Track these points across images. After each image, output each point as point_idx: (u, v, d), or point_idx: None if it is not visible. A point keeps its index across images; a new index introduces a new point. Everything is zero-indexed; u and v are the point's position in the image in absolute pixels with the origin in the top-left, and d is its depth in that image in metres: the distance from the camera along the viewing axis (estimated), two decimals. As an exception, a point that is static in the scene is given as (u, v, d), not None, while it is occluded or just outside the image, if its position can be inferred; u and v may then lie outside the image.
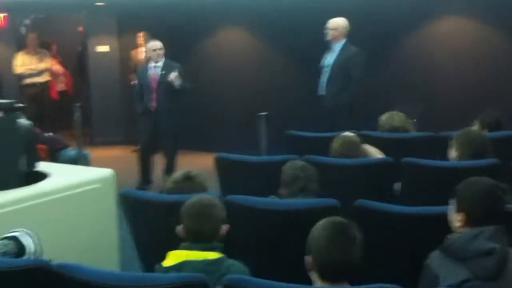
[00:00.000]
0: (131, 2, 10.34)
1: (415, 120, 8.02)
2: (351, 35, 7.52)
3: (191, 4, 9.83)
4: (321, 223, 2.66)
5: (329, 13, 7.53)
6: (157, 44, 7.70)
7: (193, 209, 3.04)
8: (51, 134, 7.84)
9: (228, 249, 3.09)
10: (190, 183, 3.73)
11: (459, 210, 2.87)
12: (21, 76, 10.29)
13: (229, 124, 9.57)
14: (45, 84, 10.41)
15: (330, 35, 7.29)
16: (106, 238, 4.59)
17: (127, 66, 10.50)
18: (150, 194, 3.77)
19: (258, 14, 9.39)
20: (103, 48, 11.01)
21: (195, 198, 3.11)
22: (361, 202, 3.32)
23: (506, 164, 4.22)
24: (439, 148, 4.89)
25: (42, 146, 7.02)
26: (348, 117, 6.94)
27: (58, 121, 10.34)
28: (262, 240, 3.48)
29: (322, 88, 7.31)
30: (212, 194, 3.43)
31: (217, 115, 9.93)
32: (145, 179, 7.83)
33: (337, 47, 7.29)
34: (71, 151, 7.32)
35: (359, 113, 7.11)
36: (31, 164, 4.84)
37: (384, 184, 4.49)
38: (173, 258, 2.93)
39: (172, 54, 9.19)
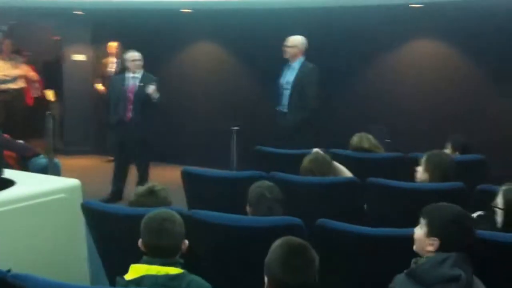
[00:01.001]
0: (107, 12, 10.24)
1: (389, 140, 8.15)
2: (319, 55, 7.59)
3: (165, 16, 9.79)
4: (277, 243, 2.63)
5: (300, 29, 7.57)
6: (136, 54, 7.65)
7: (151, 224, 3.00)
8: (21, 141, 7.75)
9: (190, 265, 3.07)
10: (153, 197, 3.70)
11: (431, 234, 2.87)
12: (-7, 82, 10.21)
13: (202, 138, 9.55)
14: (18, 91, 10.28)
15: (288, 52, 7.30)
16: (72, 249, 4.52)
17: (95, 73, 10.49)
18: (112, 206, 3.72)
19: (230, 29, 9.43)
20: (79, 57, 10.93)
21: (154, 212, 3.07)
22: (322, 221, 3.31)
23: (471, 188, 4.23)
24: (407, 169, 4.91)
25: (11, 154, 6.94)
26: (309, 134, 6.97)
27: (31, 128, 10.18)
28: (224, 257, 3.45)
29: (283, 106, 7.31)
30: (173, 209, 3.40)
31: (189, 128, 9.92)
32: (116, 192, 7.75)
33: (296, 64, 7.32)
34: (41, 159, 7.22)
35: (325, 132, 7.16)
36: (-3, 172, 4.78)
37: (351, 204, 4.47)
38: (134, 271, 2.90)
39: (146, 66, 9.21)
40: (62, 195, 4.77)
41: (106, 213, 3.58)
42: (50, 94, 10.26)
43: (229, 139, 6.93)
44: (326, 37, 8.66)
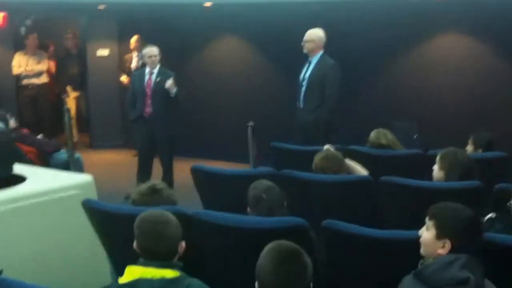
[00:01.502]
0: (131, 7, 10.22)
1: (416, 135, 7.97)
2: (343, 50, 7.39)
3: (190, 11, 9.73)
4: (268, 247, 2.52)
5: (323, 23, 7.42)
6: (153, 50, 7.53)
7: (145, 226, 2.90)
8: (41, 137, 7.75)
9: (190, 267, 2.97)
10: (156, 196, 3.59)
11: (442, 236, 2.74)
12: (18, 77, 10.22)
13: (224, 132, 9.46)
14: (42, 86, 10.28)
15: (306, 47, 7.09)
16: (89, 247, 4.43)
17: (119, 68, 10.50)
18: (114, 205, 3.61)
19: (253, 23, 9.30)
20: (103, 52, 10.92)
21: (147, 214, 2.96)
22: (328, 223, 3.17)
23: (490, 186, 4.06)
24: (428, 166, 4.74)
25: (32, 149, 6.94)
26: (326, 134, 6.75)
27: (57, 124, 10.18)
28: (226, 258, 3.34)
29: (300, 102, 7.14)
30: (176, 209, 3.30)
31: (212, 122, 9.87)
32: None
33: (314, 59, 7.11)
34: (62, 154, 7.21)
35: (349, 128, 6.98)
36: (5, 168, 4.75)
37: (364, 203, 4.33)
38: (129, 274, 2.81)
39: (169, 60, 9.15)
40: (75, 191, 4.73)
41: (108, 212, 3.49)
42: (68, 90, 10.34)
43: (262, 134, 6.79)
44: (350, 31, 8.50)
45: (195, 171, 4.57)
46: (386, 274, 2.99)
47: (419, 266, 2.71)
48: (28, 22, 11.12)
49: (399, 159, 5.10)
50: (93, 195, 4.85)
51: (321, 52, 7.10)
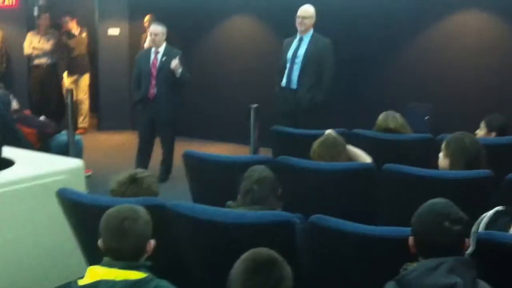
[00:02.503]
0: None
1: (427, 117, 7.64)
2: (355, 27, 7.04)
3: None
4: (243, 257, 2.32)
5: (338, 4, 7.12)
6: (156, 29, 7.25)
7: (110, 223, 2.64)
8: (43, 118, 7.58)
9: (166, 265, 2.74)
10: (135, 186, 3.35)
11: (412, 235, 2.53)
12: (30, 57, 10.09)
13: (232, 113, 9.19)
14: (51, 66, 10.07)
15: (305, 24, 6.79)
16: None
17: (133, 48, 10.22)
18: (89, 196, 3.38)
19: (266, 2, 9.03)
20: (114, 32, 10.69)
21: (114, 209, 2.70)
22: (316, 218, 2.89)
23: (501, 175, 3.75)
24: (438, 152, 4.42)
25: (32, 130, 6.80)
26: (323, 115, 6.56)
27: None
28: (205, 256, 3.09)
29: (293, 82, 6.82)
30: (154, 201, 3.06)
31: (221, 103, 9.63)
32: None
33: (306, 37, 6.82)
34: (63, 136, 7.05)
35: (361, 111, 6.68)
36: (-9, 151, 4.58)
37: (365, 193, 4.03)
38: (91, 275, 2.57)
39: (181, 40, 8.92)
40: (63, 176, 4.62)
41: (81, 203, 3.25)
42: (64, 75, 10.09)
43: (263, 116, 6.54)
44: (363, 8, 8.19)
45: (186, 157, 4.30)
46: (375, 275, 2.70)
47: (401, 272, 2.44)
48: (41, 1, 10.91)
49: (406, 144, 4.76)
50: (81, 180, 4.72)
51: (312, 30, 6.85)
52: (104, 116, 10.78)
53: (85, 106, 10.33)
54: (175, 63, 7.03)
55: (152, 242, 2.69)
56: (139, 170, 3.49)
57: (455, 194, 3.48)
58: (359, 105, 8.01)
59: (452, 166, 3.86)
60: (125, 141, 9.60)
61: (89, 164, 7.53)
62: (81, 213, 3.28)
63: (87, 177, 7.20)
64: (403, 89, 8.07)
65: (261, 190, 3.39)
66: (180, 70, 7.07)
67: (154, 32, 7.25)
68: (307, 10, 6.83)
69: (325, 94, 6.65)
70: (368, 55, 8.24)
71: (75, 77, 10.16)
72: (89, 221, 3.15)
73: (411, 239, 2.53)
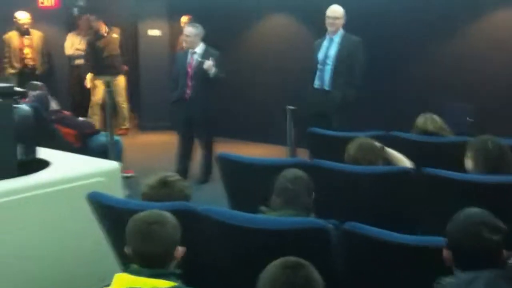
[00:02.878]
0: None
1: (468, 119, 7.44)
2: (392, 25, 7.04)
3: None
4: (271, 264, 2.26)
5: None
6: (188, 30, 7.31)
7: (136, 227, 2.59)
8: (82, 118, 7.63)
9: (196, 271, 2.68)
10: (167, 189, 3.30)
11: (447, 246, 2.42)
12: (71, 58, 10.21)
13: (270, 114, 9.12)
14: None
15: (336, 25, 6.75)
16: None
17: (172, 49, 10.23)
18: (116, 199, 3.35)
19: (302, 1, 8.91)
20: (154, 32, 10.72)
21: (141, 213, 2.65)
22: (350, 225, 2.80)
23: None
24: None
25: (71, 131, 6.83)
26: (350, 113, 6.53)
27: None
28: (236, 262, 3.02)
29: (325, 83, 6.77)
30: (186, 206, 3.01)
31: (259, 104, 9.57)
32: (181, 170, 7.49)
33: (336, 37, 6.78)
34: (102, 137, 7.07)
35: (399, 111, 6.54)
36: (28, 152, 4.57)
37: (404, 198, 3.92)
38: (117, 282, 2.51)
39: (218, 40, 8.88)
40: (99, 178, 4.55)
41: (111, 207, 3.21)
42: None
43: (302, 116, 6.48)
44: (402, 2, 8.02)
45: (220, 160, 4.24)
46: (413, 284, 2.61)
47: (436, 286, 2.34)
48: (81, 2, 11.01)
49: (446, 146, 4.63)
50: (117, 182, 4.67)
51: (342, 30, 6.79)
52: (146, 117, 10.84)
53: (124, 109, 10.12)
54: (208, 63, 7.03)
55: (180, 249, 2.63)
56: (170, 173, 3.44)
57: (496, 199, 3.38)
58: (396, 105, 7.83)
59: (475, 169, 3.76)
60: (166, 142, 9.59)
61: (131, 164, 7.62)
62: (111, 216, 3.25)
63: (129, 177, 7.29)
64: (442, 88, 7.88)
65: (295, 188, 3.33)
66: (213, 71, 7.04)
67: (186, 33, 7.32)
68: (337, 11, 6.78)
69: (354, 91, 6.62)
70: (406, 53, 8.06)
71: (106, 78, 9.72)
72: (119, 225, 3.11)
73: (446, 251, 2.43)
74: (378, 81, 7.47)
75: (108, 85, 8.75)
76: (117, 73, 9.86)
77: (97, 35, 9.85)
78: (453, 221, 2.44)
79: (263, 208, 3.37)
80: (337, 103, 6.59)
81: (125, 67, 10.00)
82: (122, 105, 10.06)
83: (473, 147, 3.86)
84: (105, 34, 9.81)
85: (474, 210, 2.44)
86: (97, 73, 9.74)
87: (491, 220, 2.38)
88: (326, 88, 6.74)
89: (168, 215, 2.65)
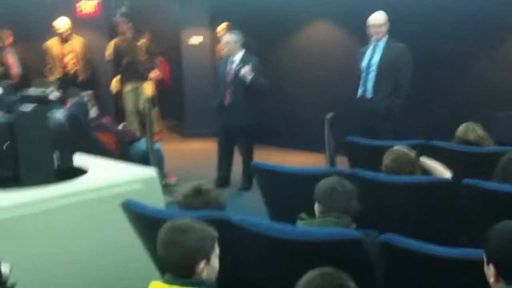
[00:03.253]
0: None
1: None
2: (439, 32, 6.88)
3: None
4: (308, 273, 2.24)
5: (416, 10, 6.87)
6: (226, 37, 7.41)
7: (162, 233, 2.60)
8: (121, 125, 7.68)
9: (231, 282, 2.64)
10: (201, 198, 3.28)
11: (488, 261, 2.31)
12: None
13: (312, 121, 9.01)
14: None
15: (381, 32, 6.63)
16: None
17: (214, 56, 10.24)
18: (154, 208, 3.33)
19: (347, 7, 8.81)
20: (197, 40, 10.76)
21: (171, 221, 2.64)
22: (388, 237, 2.73)
23: None
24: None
25: (111, 138, 6.88)
26: (399, 122, 6.42)
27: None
28: (271, 273, 2.97)
29: (368, 91, 6.65)
30: (218, 215, 2.97)
31: (300, 110, 9.47)
32: (222, 178, 7.50)
33: (380, 44, 6.64)
34: (142, 144, 7.11)
35: (443, 120, 6.41)
36: (65, 160, 4.59)
37: (444, 209, 3.83)
38: (152, 291, 2.51)
39: (260, 46, 8.88)
40: (138, 186, 4.53)
41: (144, 215, 3.20)
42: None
43: (342, 125, 6.41)
44: (447, 9, 7.87)
45: (256, 169, 4.21)
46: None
47: None
48: (123, 9, 11.09)
49: (487, 157, 4.49)
50: (156, 189, 4.65)
51: (386, 36, 6.66)
52: (189, 124, 10.88)
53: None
54: (244, 69, 7.04)
55: (203, 263, 2.56)
56: (203, 182, 3.41)
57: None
58: (442, 113, 7.68)
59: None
60: (210, 149, 9.56)
61: (174, 171, 7.65)
62: (145, 224, 3.24)
63: (172, 185, 7.31)
64: (488, 97, 7.70)
65: (343, 190, 3.31)
66: (250, 77, 7.04)
67: (226, 40, 7.37)
68: (380, 18, 6.66)
69: (403, 100, 6.47)
70: (452, 62, 7.91)
71: (133, 85, 9.43)
72: (152, 233, 3.09)
73: (487, 266, 2.33)
74: (420, 89, 7.32)
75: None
76: (141, 79, 9.42)
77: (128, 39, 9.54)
78: (493, 235, 2.35)
79: (303, 215, 3.33)
80: (382, 113, 6.47)
81: (153, 75, 9.49)
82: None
83: (502, 160, 3.82)
84: (129, 39, 9.47)
85: (508, 223, 2.35)
86: (123, 79, 9.49)
87: None
88: (369, 96, 6.64)
89: (196, 225, 2.61)
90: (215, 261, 2.61)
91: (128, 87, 9.44)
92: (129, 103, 9.50)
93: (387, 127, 6.33)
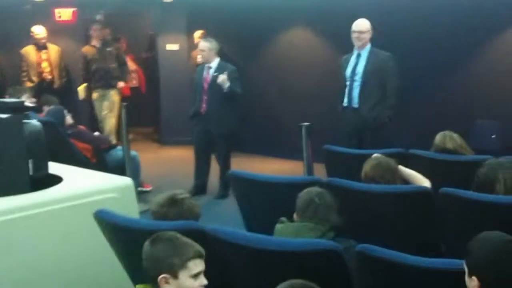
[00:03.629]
0: (201, 0, 10.03)
1: (493, 136, 7.29)
2: (419, 39, 6.95)
3: (261, 2, 9.40)
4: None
5: (395, 19, 6.87)
6: (201, 45, 7.35)
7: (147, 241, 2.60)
8: (98, 133, 7.60)
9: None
10: (176, 208, 3.23)
11: (470, 273, 2.27)
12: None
13: (289, 129, 9.02)
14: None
15: (362, 39, 6.52)
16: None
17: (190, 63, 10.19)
18: (122, 217, 3.28)
19: (326, 14, 8.79)
20: (173, 47, 10.71)
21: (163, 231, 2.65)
22: (364, 247, 2.69)
23: None
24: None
25: (87, 146, 6.80)
26: (388, 133, 6.34)
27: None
28: (243, 283, 2.94)
29: (354, 101, 6.54)
30: (188, 225, 2.93)
31: (278, 118, 9.49)
32: (199, 186, 7.44)
33: (364, 52, 6.55)
34: (118, 151, 7.03)
35: (424, 129, 6.41)
36: (40, 168, 4.52)
37: (422, 218, 3.81)
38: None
39: (237, 54, 8.85)
40: (112, 194, 4.47)
41: (117, 225, 3.15)
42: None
43: (321, 132, 6.38)
44: (428, 20, 7.91)
45: (232, 178, 4.16)
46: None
47: None
48: (98, 17, 11.02)
49: (466, 165, 4.49)
50: (131, 198, 4.59)
51: (369, 44, 6.58)
52: (166, 131, 10.80)
53: (106, 125, 9.41)
54: (221, 78, 7.00)
55: (165, 278, 2.52)
56: (179, 191, 3.36)
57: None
58: (423, 123, 7.70)
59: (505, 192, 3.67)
60: (186, 156, 9.54)
61: (151, 178, 7.58)
62: (117, 234, 3.18)
63: (147, 192, 7.26)
64: (469, 105, 7.74)
65: (322, 202, 3.29)
66: (227, 85, 7.00)
67: (201, 48, 7.34)
68: (363, 25, 6.57)
69: (392, 109, 6.40)
70: (431, 69, 7.95)
71: (100, 92, 9.34)
72: (125, 243, 3.06)
73: (472, 278, 2.28)
74: (401, 99, 7.35)
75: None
76: (108, 87, 9.33)
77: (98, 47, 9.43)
78: (475, 247, 2.30)
79: (283, 219, 3.31)
80: (370, 124, 6.39)
81: (121, 84, 9.46)
82: (104, 121, 9.44)
83: (483, 168, 3.79)
84: (99, 46, 9.39)
85: (496, 235, 2.33)
86: (91, 86, 9.39)
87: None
88: (355, 106, 6.52)
89: (177, 241, 2.59)
90: (186, 281, 2.54)
91: (96, 94, 9.39)
92: (98, 111, 9.43)
93: (376, 137, 6.24)
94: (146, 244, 2.56)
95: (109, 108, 9.33)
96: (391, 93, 6.41)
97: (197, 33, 9.83)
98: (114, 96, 9.35)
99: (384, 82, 6.40)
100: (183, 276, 2.53)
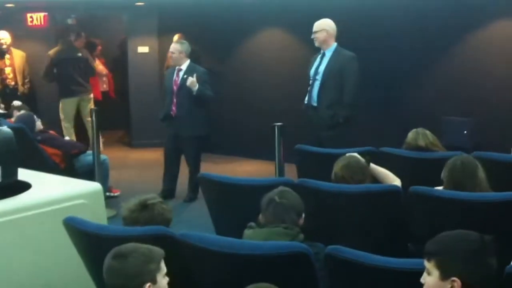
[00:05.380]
0: (172, 3, 9.99)
1: (465, 132, 7.33)
2: (389, 39, 6.85)
3: (232, 4, 9.39)
4: None
5: (369, 18, 6.88)
6: (173, 47, 7.30)
7: (106, 260, 2.52)
8: (67, 138, 7.50)
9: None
10: (146, 213, 3.18)
11: (447, 275, 2.22)
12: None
13: (262, 129, 8.99)
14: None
15: (317, 38, 6.50)
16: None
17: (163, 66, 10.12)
18: (92, 224, 3.22)
19: (298, 16, 8.75)
20: (144, 49, 10.65)
21: (118, 247, 2.57)
22: (333, 249, 2.67)
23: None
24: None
25: (57, 151, 6.72)
26: (348, 133, 6.30)
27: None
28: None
29: (313, 99, 6.53)
30: (159, 230, 2.88)
31: (250, 119, 9.46)
32: (167, 189, 7.38)
33: (328, 52, 6.52)
34: (88, 156, 6.95)
35: (395, 127, 6.43)
36: (9, 175, 4.45)
37: (393, 217, 3.80)
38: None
39: (210, 56, 8.81)
40: (82, 200, 4.42)
41: (86, 232, 3.09)
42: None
43: (294, 133, 6.36)
44: (397, 18, 7.96)
45: (202, 180, 4.12)
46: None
47: None
48: (70, 21, 10.92)
49: (438, 162, 4.47)
50: (101, 204, 4.54)
51: (335, 44, 6.54)
52: (136, 134, 10.72)
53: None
54: (190, 80, 6.96)
55: (147, 287, 2.49)
56: (150, 196, 3.32)
57: (488, 217, 3.28)
58: (393, 121, 7.73)
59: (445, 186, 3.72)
60: (156, 159, 9.46)
61: (119, 183, 7.51)
62: (86, 242, 3.13)
63: (115, 197, 7.19)
64: (441, 102, 7.78)
65: (282, 201, 3.21)
66: (196, 88, 6.97)
67: (171, 50, 7.30)
68: (317, 24, 6.54)
69: (347, 110, 6.34)
70: (401, 67, 8.00)
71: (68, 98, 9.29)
72: (93, 250, 3.00)
73: (450, 280, 2.23)
74: (372, 97, 7.36)
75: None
76: (76, 94, 9.31)
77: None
78: (453, 247, 2.26)
79: (252, 224, 3.25)
80: (326, 122, 6.36)
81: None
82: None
83: (446, 166, 3.83)
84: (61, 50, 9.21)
85: (468, 234, 2.31)
86: (58, 93, 9.38)
87: (489, 245, 2.26)
88: (314, 104, 6.51)
89: (140, 249, 2.54)
90: (162, 281, 2.54)
91: (63, 100, 9.31)
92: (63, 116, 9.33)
93: (331, 136, 6.20)
94: (112, 262, 2.49)
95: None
96: (348, 92, 6.36)
97: (175, 37, 9.77)
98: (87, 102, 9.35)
99: (342, 82, 6.38)
100: (159, 278, 2.54)
